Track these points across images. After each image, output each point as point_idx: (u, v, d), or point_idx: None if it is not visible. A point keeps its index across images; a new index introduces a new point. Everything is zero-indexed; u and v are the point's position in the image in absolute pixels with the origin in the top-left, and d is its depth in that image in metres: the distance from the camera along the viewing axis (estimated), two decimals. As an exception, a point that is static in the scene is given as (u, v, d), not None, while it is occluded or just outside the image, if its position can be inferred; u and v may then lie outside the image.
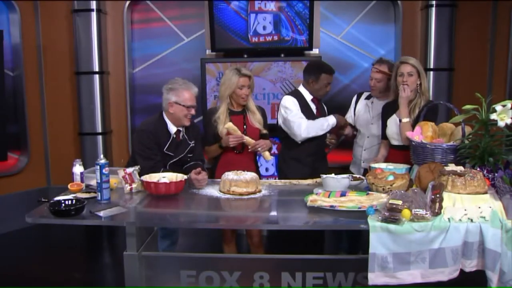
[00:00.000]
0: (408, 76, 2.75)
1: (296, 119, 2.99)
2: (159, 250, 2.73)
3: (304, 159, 3.10)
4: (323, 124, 3.02)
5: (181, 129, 2.75)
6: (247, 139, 2.83)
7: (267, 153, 2.88)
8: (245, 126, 2.92)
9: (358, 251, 3.26)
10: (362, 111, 3.25)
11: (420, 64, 2.84)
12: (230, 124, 2.81)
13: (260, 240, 3.00)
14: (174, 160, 2.73)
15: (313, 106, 3.13)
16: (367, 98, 3.28)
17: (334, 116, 3.06)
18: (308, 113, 3.08)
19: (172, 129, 2.72)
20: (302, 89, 3.15)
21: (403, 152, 2.70)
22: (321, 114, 3.16)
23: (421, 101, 2.78)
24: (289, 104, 3.04)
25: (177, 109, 2.66)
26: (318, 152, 3.17)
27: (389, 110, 2.92)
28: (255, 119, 2.95)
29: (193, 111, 2.69)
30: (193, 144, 2.82)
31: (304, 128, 2.96)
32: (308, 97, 3.12)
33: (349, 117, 3.33)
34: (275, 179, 3.82)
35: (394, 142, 2.85)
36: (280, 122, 3.14)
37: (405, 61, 2.79)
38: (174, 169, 2.64)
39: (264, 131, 3.00)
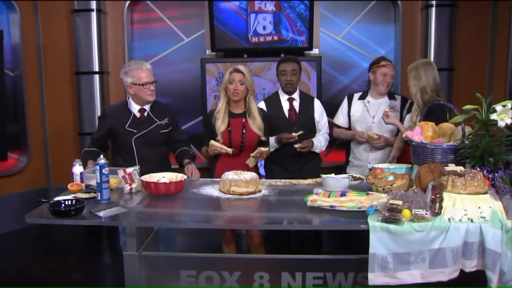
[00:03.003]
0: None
1: None
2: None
3: (281, 162, 3.14)
4: None
5: (146, 108, 2.89)
6: (225, 149, 2.79)
7: (252, 160, 2.85)
8: (243, 130, 2.89)
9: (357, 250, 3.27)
10: (360, 112, 3.24)
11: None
12: (212, 142, 2.81)
13: (261, 241, 2.98)
14: (137, 135, 2.85)
15: (286, 107, 3.17)
16: (361, 98, 3.27)
17: (274, 139, 3.08)
18: (277, 114, 3.14)
19: (135, 107, 2.88)
20: (279, 90, 3.23)
21: None
22: (296, 113, 3.17)
23: (417, 105, 2.89)
24: None
25: (135, 89, 2.83)
26: (295, 156, 3.11)
27: (410, 107, 3.06)
28: (255, 125, 2.89)
29: (151, 87, 2.83)
30: (162, 123, 2.91)
31: None
32: (283, 97, 3.18)
33: (344, 122, 3.31)
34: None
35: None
36: None
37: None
38: (141, 145, 2.84)
39: (263, 138, 2.94)
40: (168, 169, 2.79)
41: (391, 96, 3.24)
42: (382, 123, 3.14)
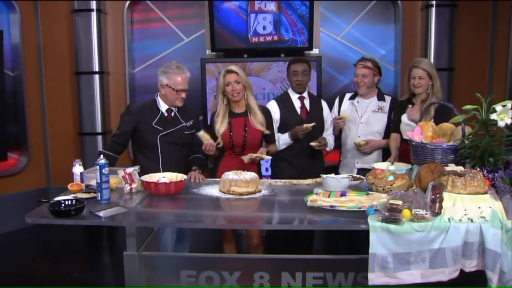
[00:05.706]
0: (419, 79, 2.90)
1: None
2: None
3: (292, 159, 3.15)
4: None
5: (173, 109, 2.91)
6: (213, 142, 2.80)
7: (248, 158, 2.78)
8: (246, 128, 2.90)
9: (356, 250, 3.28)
10: (349, 112, 3.27)
11: (432, 65, 2.97)
12: (201, 133, 2.80)
13: (260, 242, 2.96)
14: (163, 133, 2.85)
15: (297, 105, 3.20)
16: (351, 98, 3.32)
17: (288, 135, 3.11)
18: (290, 112, 3.18)
19: (163, 106, 2.89)
20: (290, 90, 3.27)
21: None
22: (307, 112, 3.21)
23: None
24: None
25: (168, 92, 2.84)
26: (304, 153, 3.15)
27: (402, 106, 3.05)
28: (257, 120, 2.91)
29: (183, 95, 2.86)
30: (187, 125, 2.92)
31: None
32: (294, 96, 3.23)
33: (333, 120, 3.33)
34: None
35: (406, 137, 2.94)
36: None
37: (417, 65, 2.92)
38: (166, 144, 2.85)
39: (267, 132, 2.95)
40: (189, 171, 2.79)
41: (380, 97, 3.26)
42: (369, 123, 3.19)
